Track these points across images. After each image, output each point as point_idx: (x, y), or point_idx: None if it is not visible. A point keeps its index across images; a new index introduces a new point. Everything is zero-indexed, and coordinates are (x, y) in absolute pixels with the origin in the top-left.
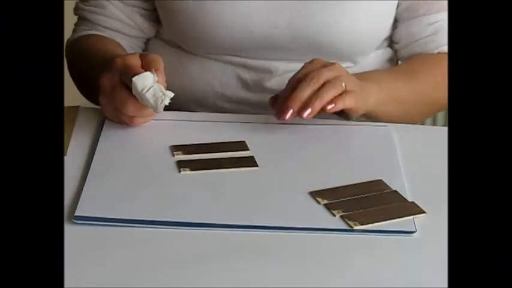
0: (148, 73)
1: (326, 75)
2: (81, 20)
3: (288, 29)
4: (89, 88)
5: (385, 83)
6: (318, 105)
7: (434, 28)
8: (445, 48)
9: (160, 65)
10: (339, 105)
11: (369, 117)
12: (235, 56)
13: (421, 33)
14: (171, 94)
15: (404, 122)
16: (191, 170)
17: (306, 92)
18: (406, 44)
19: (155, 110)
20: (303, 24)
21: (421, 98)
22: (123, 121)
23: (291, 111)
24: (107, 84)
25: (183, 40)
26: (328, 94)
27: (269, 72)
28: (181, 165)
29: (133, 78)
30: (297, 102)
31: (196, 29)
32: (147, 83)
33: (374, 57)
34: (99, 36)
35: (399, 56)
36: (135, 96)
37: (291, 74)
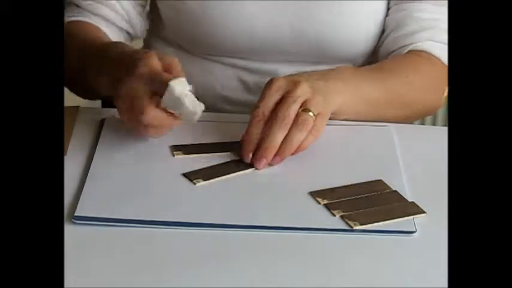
0: (183, 79)
1: (294, 109)
2: (69, 5)
3: (291, 31)
4: (78, 81)
5: (353, 81)
6: (287, 152)
7: (401, 17)
8: (418, 46)
9: (180, 69)
10: (309, 142)
11: (336, 115)
12: (237, 58)
13: (390, 22)
14: (202, 105)
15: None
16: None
17: (278, 138)
18: (381, 41)
19: (192, 117)
20: (305, 26)
21: (392, 97)
22: (139, 130)
23: (264, 161)
24: (127, 92)
25: (185, 40)
26: (298, 137)
27: (270, 75)
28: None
29: (171, 83)
30: (270, 152)
31: (199, 29)
32: (184, 88)
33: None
34: (89, 25)
35: (380, 57)
36: (154, 105)
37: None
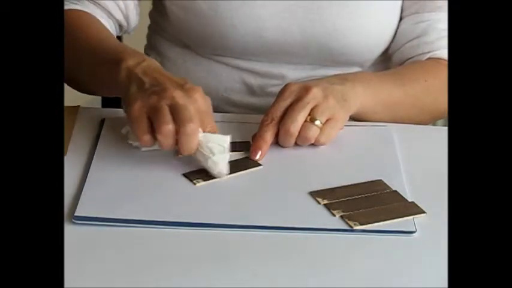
0: (227, 138)
1: (302, 115)
2: None
3: (300, 35)
4: (77, 74)
5: (373, 84)
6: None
7: (424, 27)
8: (437, 53)
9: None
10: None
11: (355, 118)
12: (243, 59)
13: (410, 31)
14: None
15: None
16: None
17: (288, 145)
18: (397, 47)
19: (212, 171)
20: (315, 30)
21: (410, 101)
22: (158, 129)
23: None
24: (138, 113)
25: (193, 40)
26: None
27: (275, 77)
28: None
29: (229, 136)
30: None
31: (208, 29)
32: (224, 147)
33: (380, 61)
34: (92, 17)
35: (393, 63)
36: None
37: (297, 81)
